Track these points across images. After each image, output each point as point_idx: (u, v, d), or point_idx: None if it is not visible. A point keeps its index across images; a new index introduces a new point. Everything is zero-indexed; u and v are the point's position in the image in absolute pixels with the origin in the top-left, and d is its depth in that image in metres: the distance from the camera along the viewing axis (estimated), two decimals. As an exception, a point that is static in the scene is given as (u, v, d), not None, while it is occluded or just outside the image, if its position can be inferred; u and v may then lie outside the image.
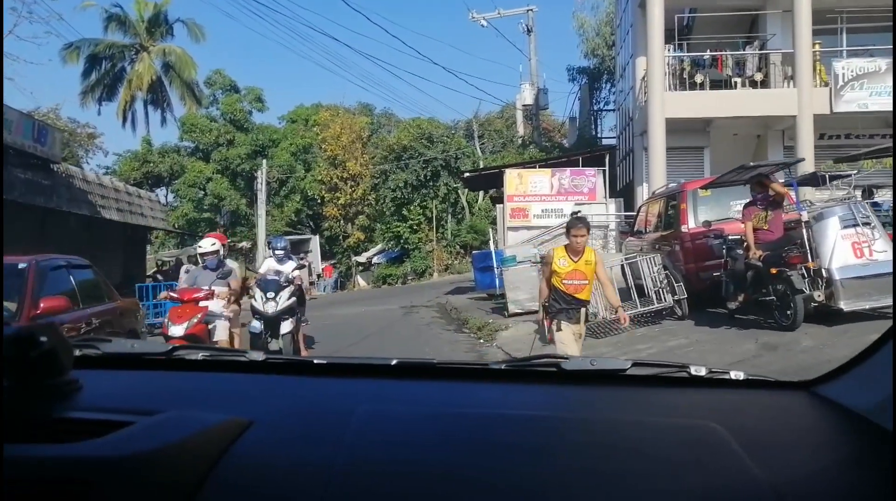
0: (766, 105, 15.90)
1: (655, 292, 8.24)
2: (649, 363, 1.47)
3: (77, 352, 1.32)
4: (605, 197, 18.03)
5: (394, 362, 1.46)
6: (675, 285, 8.21)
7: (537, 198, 17.99)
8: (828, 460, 1.02)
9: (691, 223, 8.44)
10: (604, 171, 18.14)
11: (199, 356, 1.51)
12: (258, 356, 1.50)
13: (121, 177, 32.14)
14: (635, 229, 11.22)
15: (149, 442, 0.89)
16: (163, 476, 0.86)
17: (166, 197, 32.72)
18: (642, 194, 17.86)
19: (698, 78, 16.07)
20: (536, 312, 12.15)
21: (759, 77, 15.98)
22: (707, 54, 16.76)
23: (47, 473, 0.82)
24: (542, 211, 17.96)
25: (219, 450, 0.95)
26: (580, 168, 18.12)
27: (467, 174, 19.04)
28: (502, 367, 1.47)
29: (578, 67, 28.33)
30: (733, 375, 1.40)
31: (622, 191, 19.75)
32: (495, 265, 13.82)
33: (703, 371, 1.38)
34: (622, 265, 9.10)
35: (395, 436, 1.07)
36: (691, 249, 8.43)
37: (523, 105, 26.41)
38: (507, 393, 1.36)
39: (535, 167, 18.53)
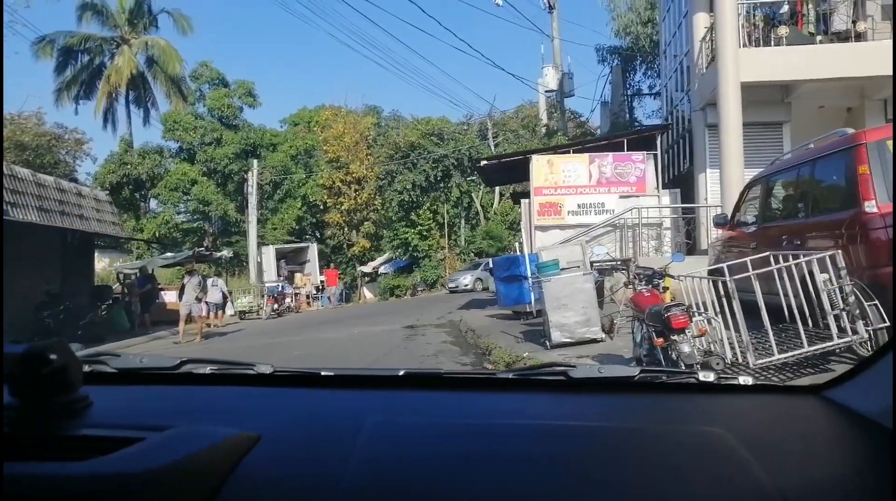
0: (868, 63, 12.29)
1: (835, 315, 4.66)
2: (658, 369, 1.54)
3: (86, 368, 1.34)
4: (658, 188, 14.47)
5: (401, 372, 1.46)
6: (866, 305, 4.63)
7: (572, 190, 14.49)
8: (837, 464, 1.01)
9: (882, 197, 4.90)
10: (655, 156, 14.60)
11: (208, 369, 1.50)
12: (266, 368, 1.48)
13: (97, 182, 29.07)
14: (736, 219, 7.70)
15: (158, 459, 0.89)
16: (172, 493, 0.86)
17: (147, 203, 29.50)
18: (706, 182, 14.31)
19: (781, 30, 12.52)
20: (592, 340, 8.71)
21: (861, 27, 12.39)
22: (785, 2, 13.22)
23: (57, 491, 0.81)
24: (579, 206, 14.46)
25: (228, 466, 0.94)
26: (625, 153, 14.58)
27: (484, 162, 15.57)
28: (510, 376, 1.46)
29: (609, 47, 24.88)
30: (742, 380, 1.38)
31: (674, 181, 16.18)
32: (529, 274, 10.28)
33: (711, 377, 1.37)
34: (722, 277, 5.52)
35: (405, 448, 1.06)
36: (883, 241, 4.87)
37: (546, 91, 22.95)
38: (516, 402, 1.35)
39: (568, 153, 15.02)
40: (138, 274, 16.38)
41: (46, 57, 29.13)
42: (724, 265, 5.70)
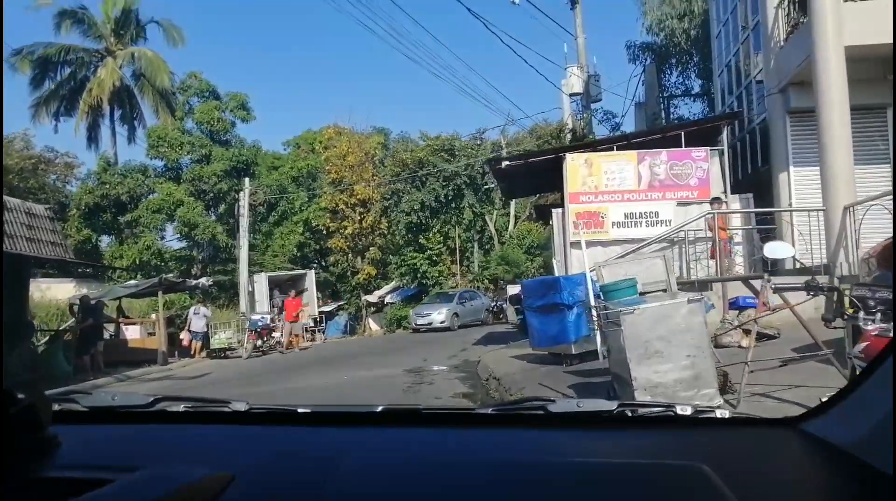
0: None
1: None
2: (636, 403, 1.46)
3: (56, 407, 1.28)
4: (726, 191, 11.47)
5: (379, 409, 1.42)
6: None
7: (617, 196, 11.57)
8: (814, 498, 1.00)
9: None
10: (720, 152, 11.64)
11: (181, 407, 1.46)
12: (241, 406, 1.44)
13: (74, 203, 26.51)
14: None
15: None
16: None
17: (132, 228, 26.74)
18: (789, 182, 11.33)
19: (894, -20, 9.61)
20: (707, 412, 5.62)
21: None
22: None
23: None
24: (626, 216, 11.51)
25: None
26: (683, 149, 11.63)
27: (506, 163, 12.66)
28: (489, 411, 1.44)
29: (641, 43, 22.14)
30: (719, 413, 1.37)
31: (740, 185, 13.14)
32: (592, 301, 7.27)
33: (689, 411, 1.34)
34: None
35: (382, 487, 1.04)
36: None
37: (571, 94, 20.19)
38: (495, 438, 1.35)
39: (612, 150, 12.08)
40: (78, 306, 13.59)
41: (24, 71, 26.87)
42: None
